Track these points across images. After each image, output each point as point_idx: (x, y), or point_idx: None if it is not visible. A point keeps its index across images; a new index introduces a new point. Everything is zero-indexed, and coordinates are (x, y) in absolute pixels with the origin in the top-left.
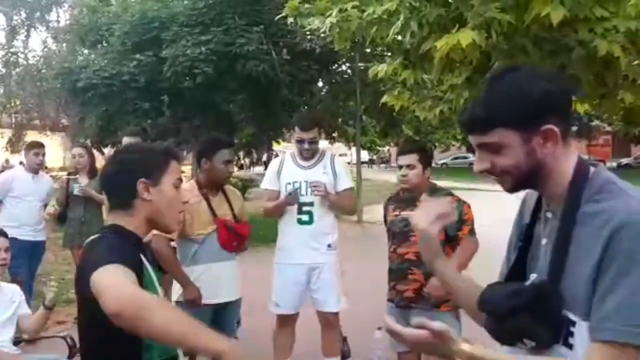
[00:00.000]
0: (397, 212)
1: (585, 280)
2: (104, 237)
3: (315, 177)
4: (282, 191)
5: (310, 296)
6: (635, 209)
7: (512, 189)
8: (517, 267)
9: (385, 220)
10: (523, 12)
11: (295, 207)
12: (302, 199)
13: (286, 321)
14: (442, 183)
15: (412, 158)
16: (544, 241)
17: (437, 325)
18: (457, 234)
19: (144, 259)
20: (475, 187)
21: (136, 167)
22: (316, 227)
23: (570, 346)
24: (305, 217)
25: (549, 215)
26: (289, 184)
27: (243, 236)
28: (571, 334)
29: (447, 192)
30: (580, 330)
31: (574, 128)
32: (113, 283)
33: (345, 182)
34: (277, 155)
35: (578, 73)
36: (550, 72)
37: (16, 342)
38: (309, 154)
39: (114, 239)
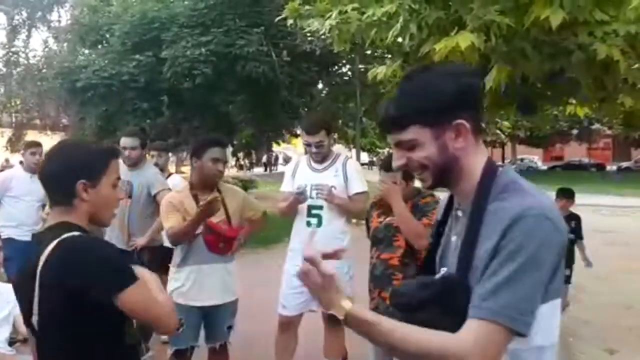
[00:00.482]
0: (381, 219)
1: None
2: (84, 240)
3: (325, 180)
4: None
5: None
6: (531, 204)
7: (431, 185)
8: (428, 262)
9: (368, 226)
10: (522, 15)
11: (306, 209)
12: (312, 202)
13: (288, 324)
14: None
15: (396, 176)
16: (454, 238)
17: (327, 268)
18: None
19: None
20: None
21: (77, 168)
22: (324, 231)
23: None
24: (313, 220)
25: (460, 213)
26: (300, 186)
27: (229, 238)
28: None
29: (429, 194)
30: None
31: (575, 131)
32: (159, 304)
33: (358, 186)
34: (276, 157)
35: (577, 76)
36: (461, 68)
37: (11, 342)
38: (318, 157)
39: (97, 242)
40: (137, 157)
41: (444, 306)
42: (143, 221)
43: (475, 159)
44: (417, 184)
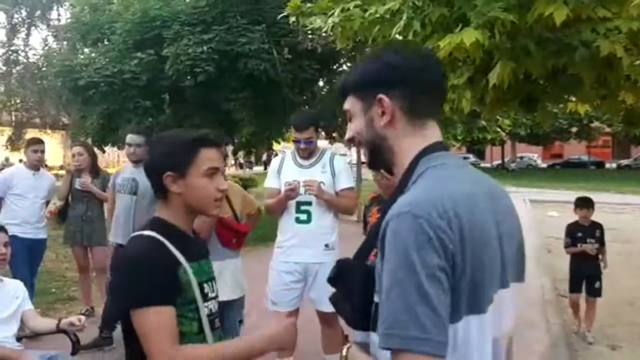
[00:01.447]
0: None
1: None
2: (139, 242)
3: (313, 176)
4: (283, 190)
5: (307, 295)
6: (403, 202)
7: (369, 163)
8: None
9: (365, 222)
10: (526, 12)
11: (294, 205)
12: (301, 198)
13: (285, 319)
14: None
15: (382, 173)
16: None
17: None
18: None
19: (182, 259)
20: None
21: (162, 161)
22: (314, 227)
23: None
24: (303, 216)
25: None
26: (288, 183)
27: (242, 233)
28: None
29: None
30: None
31: (575, 129)
32: (156, 341)
33: (345, 181)
34: (276, 155)
35: (581, 73)
36: (406, 46)
37: (19, 337)
38: (306, 153)
39: (146, 249)
40: (142, 154)
41: (342, 287)
42: (148, 218)
43: (408, 143)
44: None
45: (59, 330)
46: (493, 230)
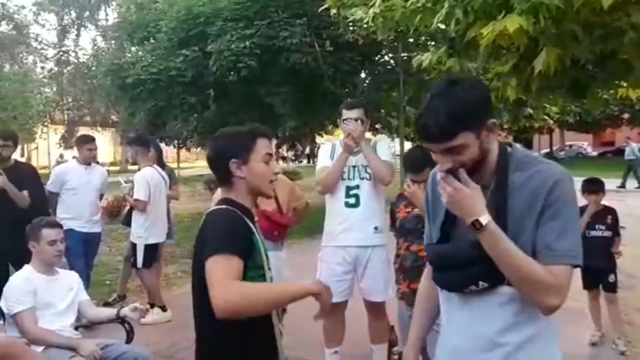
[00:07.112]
0: (409, 209)
1: (530, 232)
2: (219, 211)
3: (361, 161)
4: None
5: (358, 285)
6: (560, 170)
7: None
8: (443, 232)
9: (393, 218)
10: None
11: (343, 190)
12: (349, 183)
13: (334, 310)
14: None
15: (423, 175)
16: None
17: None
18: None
19: (253, 227)
20: None
21: (226, 150)
22: (363, 210)
23: (511, 285)
24: (352, 200)
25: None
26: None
27: (284, 225)
28: None
29: None
30: None
31: (626, 115)
32: (221, 282)
33: (384, 155)
34: (319, 148)
35: (630, 58)
36: (478, 80)
37: (76, 327)
38: (354, 134)
39: (227, 214)
40: None
41: (491, 262)
42: None
43: (495, 145)
44: None
45: (118, 317)
46: None
